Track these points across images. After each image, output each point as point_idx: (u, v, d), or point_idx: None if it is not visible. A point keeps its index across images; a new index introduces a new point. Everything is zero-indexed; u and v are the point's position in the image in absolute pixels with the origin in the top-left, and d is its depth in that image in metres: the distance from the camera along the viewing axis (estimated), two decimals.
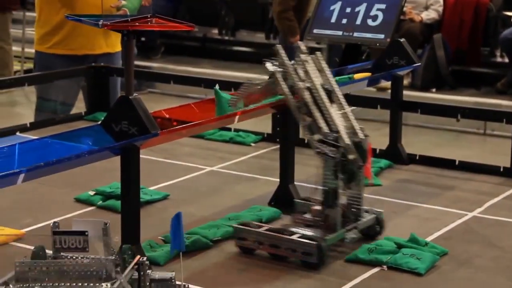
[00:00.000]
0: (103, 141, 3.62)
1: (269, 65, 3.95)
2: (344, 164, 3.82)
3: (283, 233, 3.81)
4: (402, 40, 5.53)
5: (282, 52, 3.97)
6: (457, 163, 5.39)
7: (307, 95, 3.94)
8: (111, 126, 3.63)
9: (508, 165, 5.13)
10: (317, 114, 3.90)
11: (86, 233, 2.66)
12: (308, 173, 5.60)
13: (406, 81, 7.48)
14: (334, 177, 3.85)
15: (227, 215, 4.41)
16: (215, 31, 9.85)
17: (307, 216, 4.03)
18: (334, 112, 3.92)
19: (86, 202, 4.59)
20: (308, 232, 3.84)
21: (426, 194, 4.88)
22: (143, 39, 9.77)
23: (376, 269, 3.76)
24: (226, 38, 9.77)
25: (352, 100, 6.12)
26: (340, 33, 5.65)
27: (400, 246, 3.90)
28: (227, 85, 5.89)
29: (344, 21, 5.63)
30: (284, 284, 3.60)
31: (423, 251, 3.86)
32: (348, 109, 4.02)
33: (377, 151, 5.61)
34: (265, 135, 6.14)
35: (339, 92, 4.04)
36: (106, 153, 3.60)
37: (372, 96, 6.35)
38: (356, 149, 3.86)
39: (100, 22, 3.52)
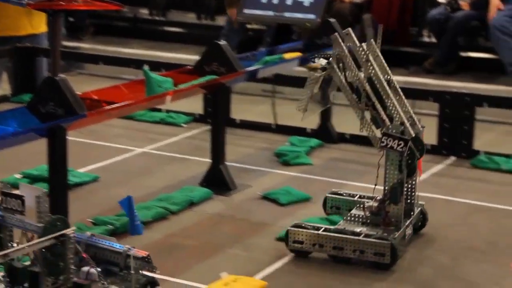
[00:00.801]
0: (29, 123, 3.55)
1: (322, 61, 3.67)
2: (409, 158, 3.57)
3: (346, 233, 3.57)
4: (332, 20, 5.57)
5: (340, 42, 3.62)
6: None
7: (368, 87, 3.63)
8: (37, 108, 3.56)
9: (435, 143, 5.24)
10: (379, 106, 3.61)
11: (23, 197, 2.63)
12: (239, 153, 5.63)
13: None
14: (399, 171, 3.60)
15: (158, 196, 4.40)
16: (146, 11, 9.75)
17: (357, 212, 3.78)
18: (397, 103, 3.62)
19: (13, 185, 4.49)
20: (373, 231, 3.60)
21: (355, 172, 4.95)
22: (71, 19, 9.60)
23: None
24: (157, 18, 9.68)
25: (283, 80, 6.18)
26: (271, 13, 5.66)
27: (330, 223, 3.94)
28: (158, 66, 5.84)
29: (275, 1, 5.64)
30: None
31: None
32: (404, 98, 3.72)
33: (308, 130, 5.68)
34: (197, 116, 6.12)
35: (395, 81, 3.72)
36: (31, 135, 3.53)
37: (303, 75, 6.38)
38: (414, 141, 3.61)
39: (25, 1, 3.44)
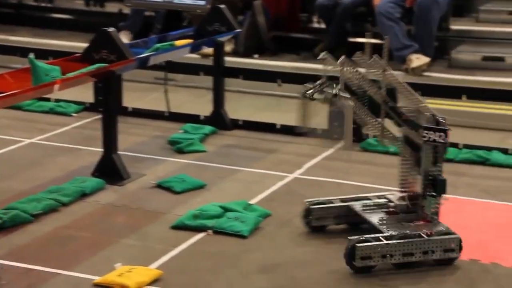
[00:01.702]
0: None
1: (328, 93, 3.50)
2: (445, 148, 3.48)
3: (412, 237, 3.40)
4: (222, 6, 5.56)
5: (346, 69, 3.52)
6: (278, 126, 5.54)
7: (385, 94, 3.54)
8: None
9: (326, 127, 5.33)
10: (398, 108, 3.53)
11: None
12: (132, 142, 5.55)
13: (229, 48, 7.56)
14: (433, 163, 3.49)
15: (49, 188, 4.27)
16: None
17: (385, 209, 3.63)
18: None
19: None
20: (417, 229, 3.46)
21: (249, 158, 4.98)
22: None
23: (201, 234, 3.80)
24: (43, 4, 9.40)
25: (175, 67, 6.13)
26: None
27: (225, 210, 3.97)
28: (45, 54, 5.67)
29: None
30: None
31: (246, 214, 3.94)
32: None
33: (201, 117, 5.66)
34: (87, 105, 5.99)
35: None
36: None
37: (195, 63, 6.36)
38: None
39: None
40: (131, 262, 3.44)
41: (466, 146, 5.10)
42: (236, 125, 5.59)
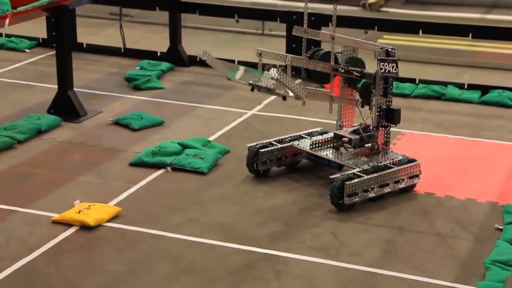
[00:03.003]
0: None
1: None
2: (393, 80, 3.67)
3: (385, 169, 3.48)
4: None
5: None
6: (236, 63, 5.48)
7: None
8: None
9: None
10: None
11: None
12: (88, 78, 5.46)
13: None
14: (384, 95, 3.59)
15: (3, 125, 4.20)
16: None
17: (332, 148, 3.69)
18: None
19: None
20: (397, 156, 3.59)
21: (207, 95, 4.95)
22: None
23: (160, 171, 3.79)
24: None
25: (130, 1, 6.00)
26: None
27: (183, 147, 3.95)
28: None
29: None
30: None
31: (206, 150, 3.94)
32: None
33: (158, 54, 5.59)
34: (40, 40, 5.86)
35: None
36: None
37: None
38: None
39: None
40: (90, 199, 3.42)
41: (422, 81, 5.14)
42: (193, 61, 5.54)
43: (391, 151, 3.67)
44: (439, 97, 4.97)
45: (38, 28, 5.76)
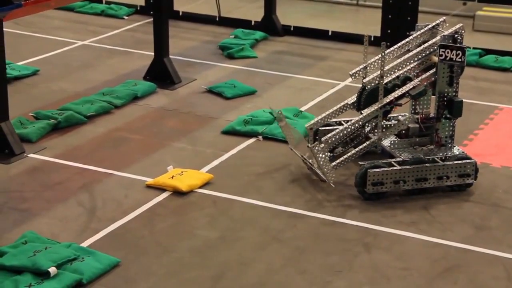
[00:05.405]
0: None
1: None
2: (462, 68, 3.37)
3: (426, 162, 3.27)
4: None
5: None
6: (330, 33, 5.46)
7: None
8: None
9: (379, 35, 5.24)
10: None
11: None
12: (183, 46, 5.53)
13: None
14: (449, 85, 3.32)
15: (101, 90, 4.31)
16: None
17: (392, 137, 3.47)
18: None
19: None
20: (454, 152, 3.36)
21: (300, 65, 4.94)
22: None
23: (252, 140, 3.82)
24: None
25: None
26: None
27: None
28: None
29: None
30: None
31: (297, 120, 3.94)
32: None
33: (252, 23, 5.60)
34: (138, 8, 5.96)
35: None
36: None
37: None
38: None
39: None
40: (183, 165, 3.49)
41: None
42: (287, 31, 5.53)
43: (455, 146, 3.42)
44: None
45: None
